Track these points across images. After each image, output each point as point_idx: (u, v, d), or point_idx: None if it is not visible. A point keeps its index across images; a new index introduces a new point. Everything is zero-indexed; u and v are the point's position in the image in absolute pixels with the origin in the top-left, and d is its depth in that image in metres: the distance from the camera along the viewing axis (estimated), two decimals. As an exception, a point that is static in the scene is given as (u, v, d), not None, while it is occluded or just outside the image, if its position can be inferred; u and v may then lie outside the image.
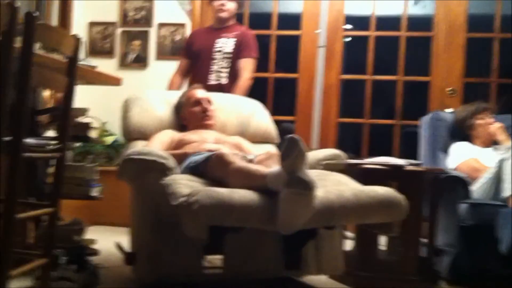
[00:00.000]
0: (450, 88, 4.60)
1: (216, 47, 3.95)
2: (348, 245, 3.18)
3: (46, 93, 4.17)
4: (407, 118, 4.85)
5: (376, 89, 4.83)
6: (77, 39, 2.06)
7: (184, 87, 4.01)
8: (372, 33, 4.77)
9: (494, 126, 3.53)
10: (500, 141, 3.46)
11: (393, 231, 2.32)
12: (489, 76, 4.65)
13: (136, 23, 4.88)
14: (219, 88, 3.78)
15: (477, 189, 3.18)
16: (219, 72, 3.92)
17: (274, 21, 4.85)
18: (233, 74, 3.93)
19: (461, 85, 4.61)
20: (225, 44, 3.96)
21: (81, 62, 2.78)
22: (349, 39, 5.02)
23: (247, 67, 3.95)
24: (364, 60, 4.78)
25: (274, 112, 4.41)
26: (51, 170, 2.21)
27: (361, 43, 4.85)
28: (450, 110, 3.94)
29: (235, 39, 3.96)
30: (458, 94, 4.59)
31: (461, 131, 3.62)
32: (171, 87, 4.07)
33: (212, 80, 3.90)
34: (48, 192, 2.21)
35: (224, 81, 3.91)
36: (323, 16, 4.66)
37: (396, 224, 2.29)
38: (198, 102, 3.08)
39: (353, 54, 5.14)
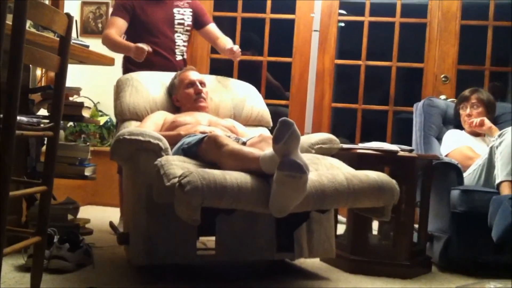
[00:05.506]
0: (444, 75, 4.62)
1: (177, 19, 3.58)
2: (341, 229, 3.19)
3: (38, 72, 4.13)
4: (400, 104, 4.87)
5: (370, 74, 4.83)
6: (69, 18, 2.03)
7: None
8: (366, 18, 4.76)
9: (476, 121, 3.42)
10: (489, 133, 3.41)
11: (385, 216, 2.31)
12: (483, 64, 4.66)
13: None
14: (184, 64, 3.54)
15: (469, 176, 3.20)
16: (183, 47, 3.62)
17: (269, 4, 4.82)
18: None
19: (454, 72, 4.62)
20: (183, 15, 3.60)
21: (73, 41, 2.76)
22: (343, 24, 5.00)
23: (217, 29, 3.72)
24: (358, 46, 4.77)
25: (267, 96, 4.41)
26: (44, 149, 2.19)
27: (355, 29, 4.83)
28: (444, 97, 3.94)
29: (190, 9, 3.63)
30: (452, 81, 4.61)
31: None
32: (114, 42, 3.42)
33: (178, 56, 3.59)
34: (41, 171, 2.19)
35: (186, 56, 3.64)
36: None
37: (389, 209, 2.29)
38: (191, 84, 3.06)
39: (347, 40, 5.13)
